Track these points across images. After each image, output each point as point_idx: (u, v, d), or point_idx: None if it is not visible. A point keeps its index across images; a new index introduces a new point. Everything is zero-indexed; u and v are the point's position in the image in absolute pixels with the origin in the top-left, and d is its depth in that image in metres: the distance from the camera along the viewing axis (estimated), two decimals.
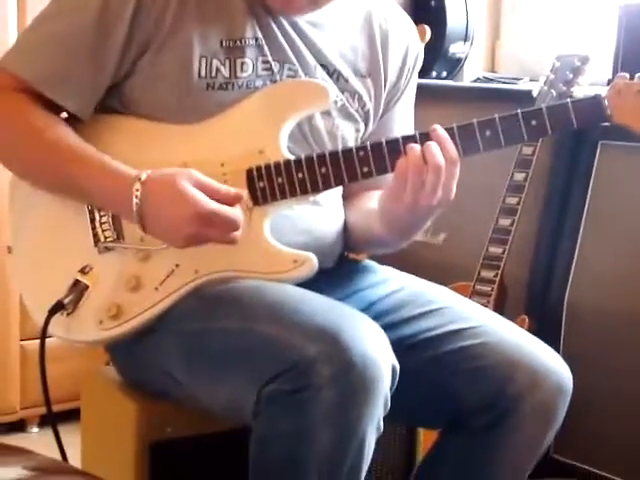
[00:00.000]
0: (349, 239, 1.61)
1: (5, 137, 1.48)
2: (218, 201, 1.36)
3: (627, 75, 1.42)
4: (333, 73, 1.54)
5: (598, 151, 2.20)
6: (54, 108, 1.46)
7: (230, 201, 1.38)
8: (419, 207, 1.41)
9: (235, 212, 1.38)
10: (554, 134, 1.43)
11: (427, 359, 1.48)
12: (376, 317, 1.42)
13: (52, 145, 1.43)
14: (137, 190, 1.37)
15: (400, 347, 1.38)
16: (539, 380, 1.45)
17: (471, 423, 1.48)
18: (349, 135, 1.56)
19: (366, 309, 1.49)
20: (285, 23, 1.50)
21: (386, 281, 1.60)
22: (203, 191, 1.36)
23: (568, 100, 1.41)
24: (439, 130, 1.40)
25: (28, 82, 1.44)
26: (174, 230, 1.37)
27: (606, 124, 1.42)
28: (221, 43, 1.46)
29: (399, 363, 1.34)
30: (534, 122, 1.40)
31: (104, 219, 1.45)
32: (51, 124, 1.45)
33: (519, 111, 1.40)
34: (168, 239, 1.40)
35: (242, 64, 1.47)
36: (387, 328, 1.40)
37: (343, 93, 1.55)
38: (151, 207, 1.37)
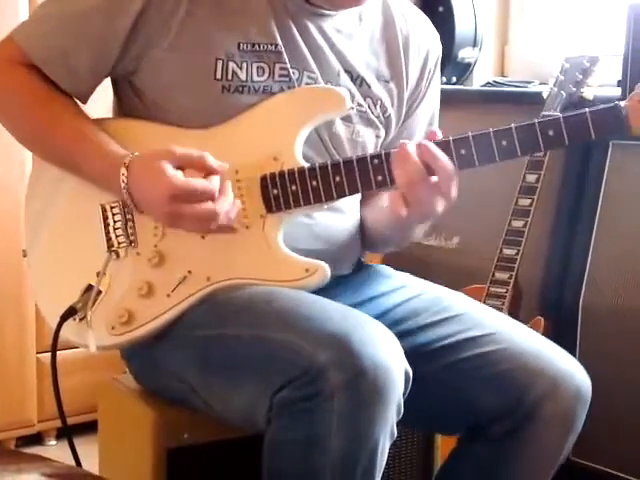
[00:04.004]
0: (364, 237, 1.60)
1: (11, 106, 1.49)
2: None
3: None
4: (356, 79, 1.53)
5: (610, 151, 2.20)
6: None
7: (209, 171, 1.38)
8: (422, 209, 1.39)
9: (206, 182, 1.36)
10: (571, 145, 1.38)
11: (445, 366, 1.48)
12: (392, 324, 1.41)
13: (54, 118, 1.45)
14: (123, 174, 1.39)
15: (417, 355, 1.37)
16: (559, 387, 1.44)
17: (490, 430, 1.47)
18: (369, 141, 1.56)
19: (381, 316, 1.49)
20: (311, 28, 1.49)
21: (402, 288, 1.60)
22: (184, 165, 1.37)
23: (586, 110, 1.37)
24: (438, 133, 1.39)
25: (28, 55, 1.45)
26: (157, 209, 1.38)
27: None
28: (238, 46, 1.45)
29: (416, 371, 1.33)
30: (551, 132, 1.37)
31: (118, 225, 1.46)
32: (55, 97, 1.46)
33: (536, 121, 1.38)
34: (157, 218, 1.42)
35: (258, 68, 1.46)
36: (403, 336, 1.39)
37: (365, 99, 1.54)
38: (136, 190, 1.39)
